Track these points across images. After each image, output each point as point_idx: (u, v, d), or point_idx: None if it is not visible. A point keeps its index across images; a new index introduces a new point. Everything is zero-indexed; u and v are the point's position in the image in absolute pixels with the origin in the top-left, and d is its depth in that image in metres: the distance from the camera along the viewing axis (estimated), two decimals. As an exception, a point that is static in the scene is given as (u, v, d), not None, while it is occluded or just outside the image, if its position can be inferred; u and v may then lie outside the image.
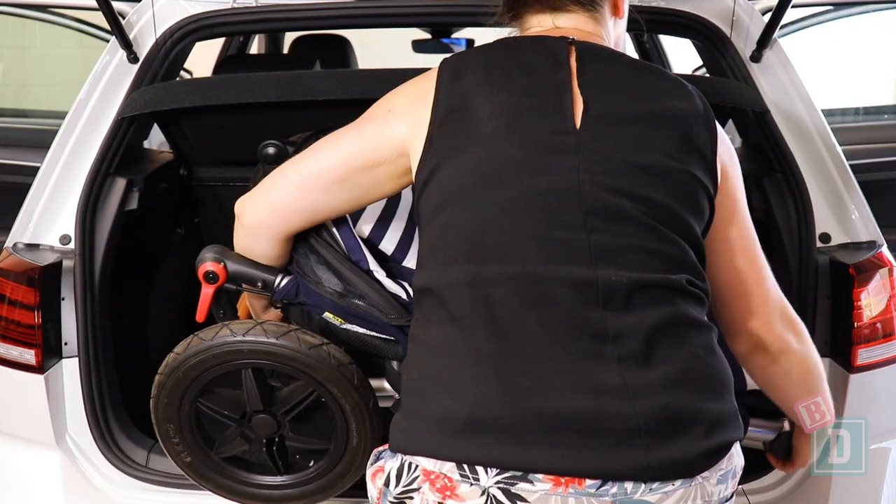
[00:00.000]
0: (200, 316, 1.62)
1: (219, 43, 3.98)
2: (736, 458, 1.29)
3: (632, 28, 1.63)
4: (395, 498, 1.27)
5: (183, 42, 2.11)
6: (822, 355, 1.95)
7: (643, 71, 1.44)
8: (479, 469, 1.20)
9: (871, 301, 1.90)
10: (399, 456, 1.27)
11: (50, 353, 1.94)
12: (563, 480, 1.18)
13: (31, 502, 2.02)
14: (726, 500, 1.27)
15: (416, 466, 1.24)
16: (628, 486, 1.19)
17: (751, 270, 1.44)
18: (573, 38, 1.41)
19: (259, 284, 1.58)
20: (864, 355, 1.91)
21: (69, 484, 1.99)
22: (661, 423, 1.20)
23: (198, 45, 2.21)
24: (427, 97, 1.38)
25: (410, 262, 1.65)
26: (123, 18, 2.09)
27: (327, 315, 1.58)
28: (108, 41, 2.14)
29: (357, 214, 1.67)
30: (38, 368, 1.92)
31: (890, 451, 2.00)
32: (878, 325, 1.91)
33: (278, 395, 1.67)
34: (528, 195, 1.29)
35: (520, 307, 1.24)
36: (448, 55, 1.47)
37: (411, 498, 1.25)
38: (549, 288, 1.24)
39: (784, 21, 2.05)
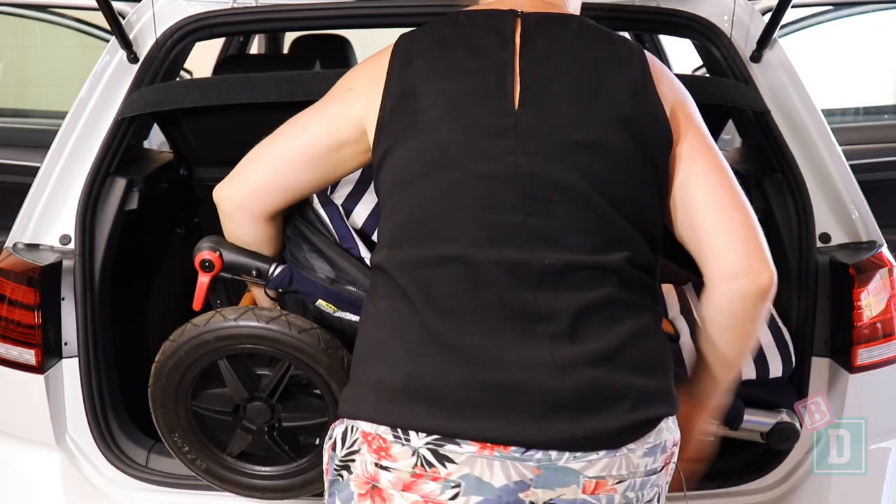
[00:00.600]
0: (197, 304, 1.66)
1: (219, 43, 3.98)
2: (666, 434, 1.32)
3: (632, 28, 1.63)
4: (340, 461, 1.33)
5: (183, 42, 2.11)
6: (822, 355, 1.95)
7: (588, 39, 1.44)
8: (411, 432, 1.25)
9: (871, 301, 1.90)
10: (345, 421, 1.33)
11: (50, 353, 1.94)
12: (488, 444, 1.24)
13: (31, 502, 2.02)
14: (654, 473, 1.31)
15: (357, 429, 1.30)
16: (552, 453, 1.24)
17: (729, 211, 1.38)
18: (521, 11, 1.43)
19: (253, 273, 1.62)
20: (864, 355, 1.91)
21: (69, 484, 1.99)
22: (587, 396, 1.26)
23: (198, 45, 2.21)
24: (381, 79, 1.41)
25: None
26: (123, 18, 2.09)
27: (320, 303, 1.62)
28: (108, 41, 2.13)
29: (351, 206, 1.72)
30: (38, 368, 1.92)
31: (890, 451, 2.00)
32: (878, 325, 1.91)
33: (263, 380, 1.70)
34: (469, 180, 1.33)
35: (456, 288, 1.30)
36: (404, 32, 1.49)
37: (353, 461, 1.31)
38: (484, 270, 1.29)
39: (784, 21, 2.05)
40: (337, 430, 1.35)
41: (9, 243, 2.02)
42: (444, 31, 1.46)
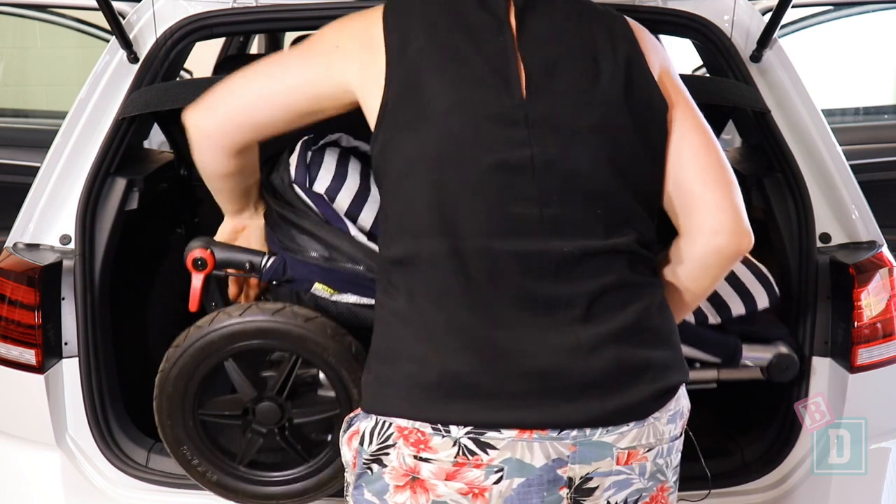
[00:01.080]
0: (193, 306, 1.65)
1: (219, 43, 3.98)
2: (683, 401, 1.40)
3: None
4: (370, 456, 1.33)
5: (183, 42, 2.11)
6: (822, 355, 1.96)
7: (576, 16, 1.44)
8: (451, 425, 1.28)
9: (871, 301, 1.90)
10: (373, 416, 1.33)
11: (50, 353, 1.94)
12: (527, 429, 1.29)
13: (31, 502, 2.02)
14: (675, 438, 1.38)
15: (390, 424, 1.31)
16: (587, 430, 1.30)
17: (711, 172, 1.41)
18: None
19: (247, 266, 1.62)
20: (864, 355, 1.91)
21: (69, 484, 1.99)
22: (613, 373, 1.32)
23: (198, 44, 2.21)
24: (376, 50, 1.38)
25: None
26: (123, 18, 2.09)
27: (317, 288, 1.61)
28: (108, 41, 2.13)
29: (335, 191, 1.69)
30: (38, 368, 1.92)
31: (890, 451, 2.01)
32: (879, 325, 1.91)
33: (270, 380, 1.68)
34: (483, 172, 1.33)
35: (478, 280, 1.31)
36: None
37: (387, 454, 1.32)
38: (504, 262, 1.32)
39: (784, 21, 2.05)
40: (364, 424, 1.34)
41: (9, 243, 2.02)
42: (437, 9, 1.42)
